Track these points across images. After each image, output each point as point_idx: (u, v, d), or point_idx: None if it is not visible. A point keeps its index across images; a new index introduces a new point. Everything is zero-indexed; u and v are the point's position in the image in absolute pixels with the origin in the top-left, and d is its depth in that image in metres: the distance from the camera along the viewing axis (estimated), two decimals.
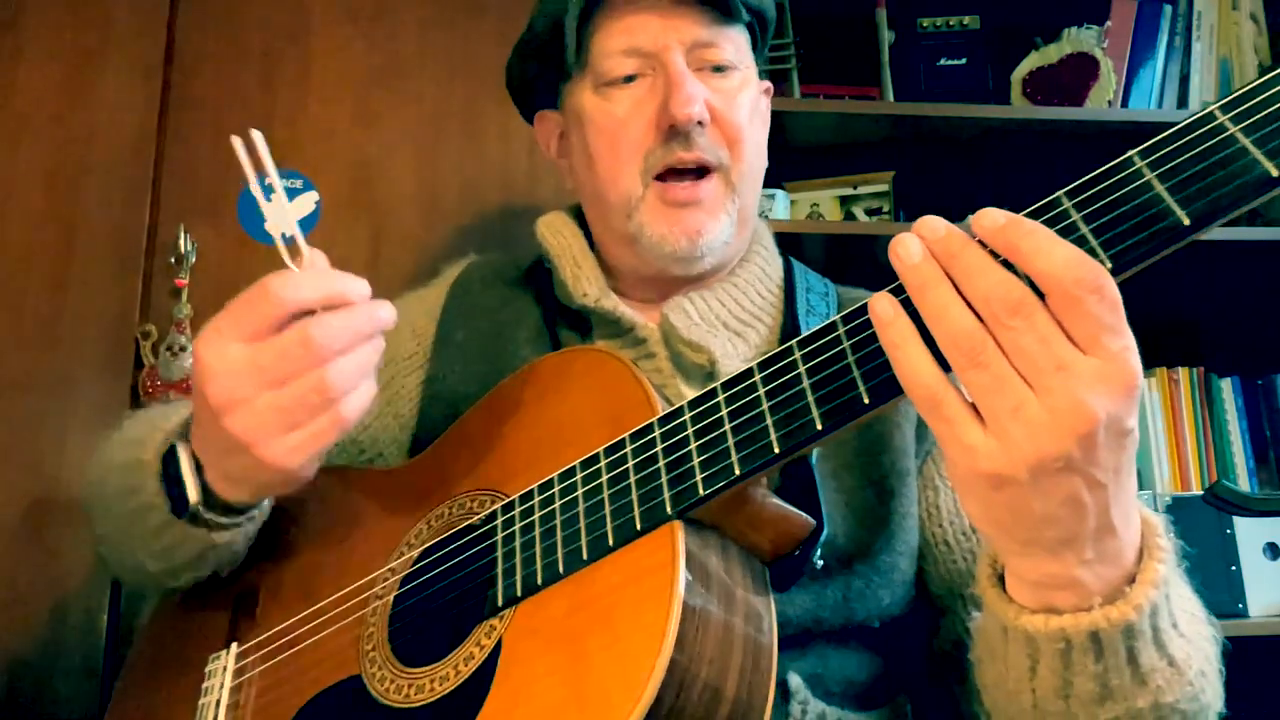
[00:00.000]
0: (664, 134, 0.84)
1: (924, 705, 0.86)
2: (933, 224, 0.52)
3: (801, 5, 1.79)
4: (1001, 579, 0.59)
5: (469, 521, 0.72)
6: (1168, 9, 1.81)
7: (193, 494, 0.72)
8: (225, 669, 0.78)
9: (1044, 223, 0.51)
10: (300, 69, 1.59)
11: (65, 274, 1.47)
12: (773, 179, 1.72)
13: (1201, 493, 1.44)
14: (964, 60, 1.81)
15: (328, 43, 1.61)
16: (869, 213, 1.78)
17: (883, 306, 0.52)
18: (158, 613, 0.89)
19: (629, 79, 0.87)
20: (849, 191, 1.78)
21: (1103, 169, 0.51)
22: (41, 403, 1.43)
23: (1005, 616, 0.57)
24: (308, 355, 0.64)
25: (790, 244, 1.64)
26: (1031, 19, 1.85)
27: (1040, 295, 0.48)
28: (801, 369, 0.58)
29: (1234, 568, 1.54)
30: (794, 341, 0.59)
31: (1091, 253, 0.49)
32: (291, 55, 1.60)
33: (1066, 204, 0.52)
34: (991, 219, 0.50)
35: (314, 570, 0.81)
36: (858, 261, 1.75)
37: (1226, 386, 1.72)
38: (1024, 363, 0.48)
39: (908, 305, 0.52)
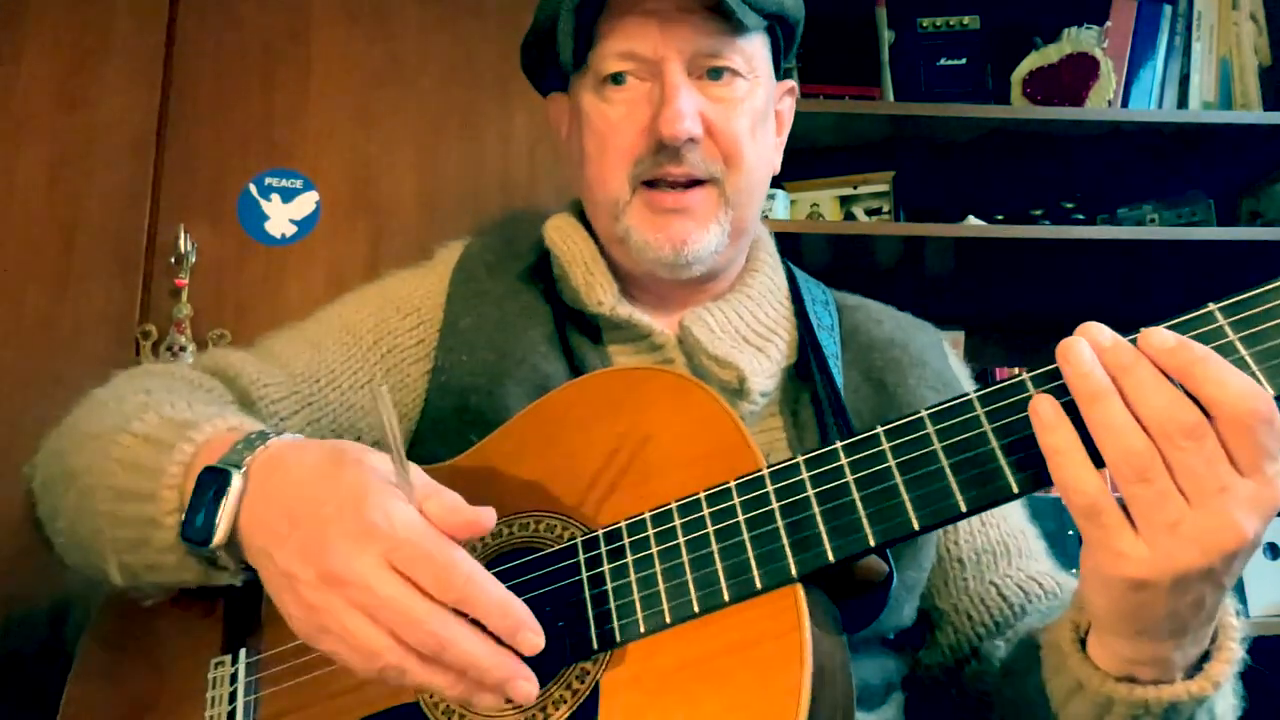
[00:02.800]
0: (654, 145, 0.82)
1: (917, 702, 0.86)
2: (1100, 334, 0.53)
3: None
4: (1081, 640, 0.61)
5: (536, 547, 0.68)
6: (1168, 9, 1.81)
7: (220, 534, 0.64)
8: (238, 678, 0.73)
9: (1199, 336, 0.52)
10: (300, 69, 1.59)
11: (65, 274, 1.47)
12: (773, 179, 1.72)
13: None
14: (964, 60, 1.81)
15: (328, 43, 1.61)
16: (869, 213, 1.78)
17: (1045, 409, 0.53)
18: (114, 604, 0.81)
19: (620, 79, 0.84)
20: (849, 191, 1.78)
21: (1257, 290, 0.52)
22: (41, 403, 1.43)
23: (1089, 682, 0.59)
24: (427, 646, 0.56)
25: (790, 244, 1.65)
26: (1031, 19, 1.85)
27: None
28: (937, 445, 0.57)
29: None
30: (925, 413, 0.58)
31: (1253, 377, 0.50)
32: (291, 55, 1.60)
33: (1221, 321, 0.52)
34: (1161, 339, 0.51)
35: None
36: (858, 261, 1.75)
37: None
38: (1188, 480, 0.49)
39: (1068, 408, 0.52)
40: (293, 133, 1.57)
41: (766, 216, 1.66)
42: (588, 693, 0.60)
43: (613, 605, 0.62)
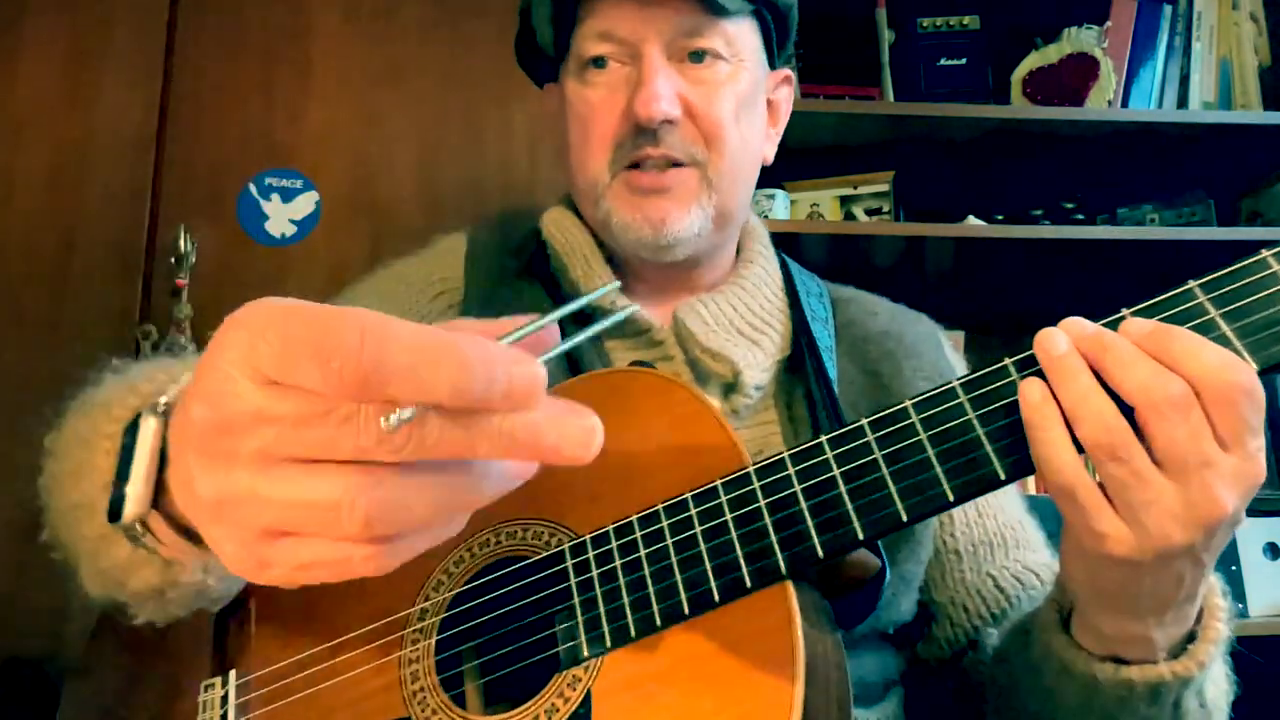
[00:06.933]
0: (633, 128, 0.81)
1: (915, 697, 0.86)
2: (1080, 322, 0.53)
3: (801, 5, 1.78)
4: (1064, 620, 0.61)
5: (524, 555, 0.67)
6: (1168, 9, 1.81)
7: (131, 505, 0.48)
8: (227, 700, 0.71)
9: (1180, 314, 0.52)
10: (300, 69, 1.59)
11: (65, 274, 1.47)
12: (773, 179, 1.72)
13: None
14: (964, 60, 1.81)
15: (328, 43, 1.61)
16: (869, 213, 1.78)
17: (1033, 391, 0.53)
18: (105, 625, 0.77)
19: (600, 62, 0.83)
20: (849, 191, 1.78)
21: (1236, 265, 0.52)
22: (41, 403, 1.43)
23: (1073, 663, 0.59)
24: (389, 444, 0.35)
25: (790, 244, 1.65)
26: (1031, 19, 1.85)
27: None
28: (923, 435, 0.56)
29: (1234, 568, 1.53)
30: (910, 403, 0.58)
31: (1236, 353, 0.50)
32: (291, 55, 1.60)
33: (1201, 298, 0.52)
34: (1139, 325, 0.52)
35: (323, 592, 0.73)
36: (858, 261, 1.75)
37: None
38: (1171, 454, 0.49)
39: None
40: (293, 133, 1.57)
41: (766, 216, 1.66)
42: (580, 699, 0.60)
43: (602, 610, 0.61)
